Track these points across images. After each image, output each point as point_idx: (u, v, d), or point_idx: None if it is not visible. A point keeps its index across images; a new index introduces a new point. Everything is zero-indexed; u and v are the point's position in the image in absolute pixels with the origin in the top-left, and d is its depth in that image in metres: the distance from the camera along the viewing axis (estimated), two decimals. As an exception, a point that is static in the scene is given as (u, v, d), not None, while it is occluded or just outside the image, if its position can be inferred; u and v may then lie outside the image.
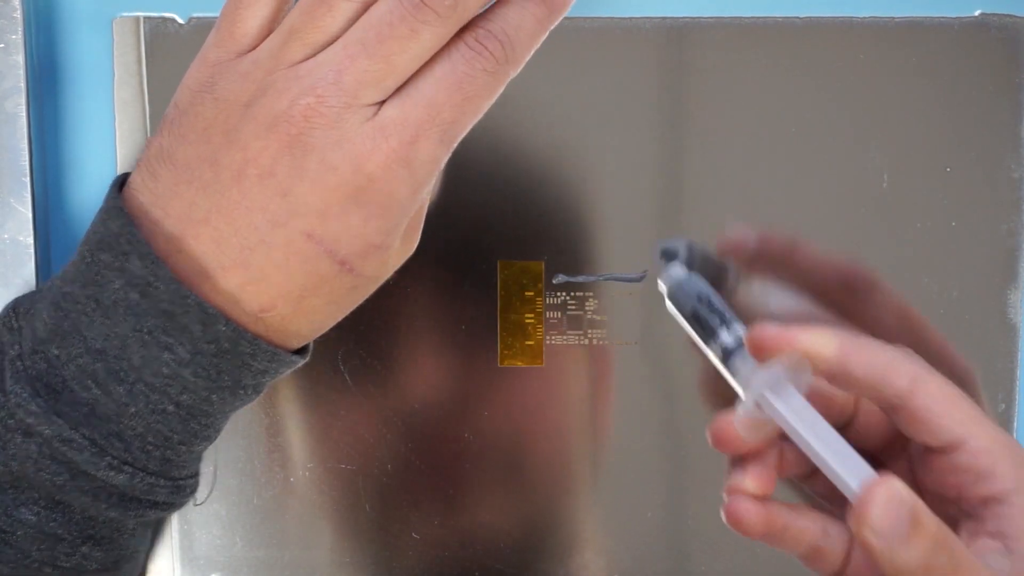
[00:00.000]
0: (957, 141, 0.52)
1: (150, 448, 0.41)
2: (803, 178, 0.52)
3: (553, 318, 0.53)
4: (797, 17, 0.51)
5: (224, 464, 0.54)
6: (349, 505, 0.54)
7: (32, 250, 0.50)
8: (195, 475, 0.45)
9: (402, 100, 0.39)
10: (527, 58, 0.40)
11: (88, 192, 0.53)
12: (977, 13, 0.51)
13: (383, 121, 0.39)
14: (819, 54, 0.52)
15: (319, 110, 0.38)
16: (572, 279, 0.53)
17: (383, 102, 0.39)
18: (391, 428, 0.54)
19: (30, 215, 0.50)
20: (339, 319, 0.43)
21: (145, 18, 0.51)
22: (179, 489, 0.43)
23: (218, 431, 0.44)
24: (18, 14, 0.49)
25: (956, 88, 0.52)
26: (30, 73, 0.50)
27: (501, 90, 0.40)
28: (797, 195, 0.52)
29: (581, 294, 0.53)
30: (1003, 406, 0.53)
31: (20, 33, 0.49)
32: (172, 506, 0.44)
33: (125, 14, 0.51)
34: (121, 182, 0.42)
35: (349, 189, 0.38)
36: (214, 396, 0.41)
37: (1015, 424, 0.54)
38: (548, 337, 0.53)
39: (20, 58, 0.49)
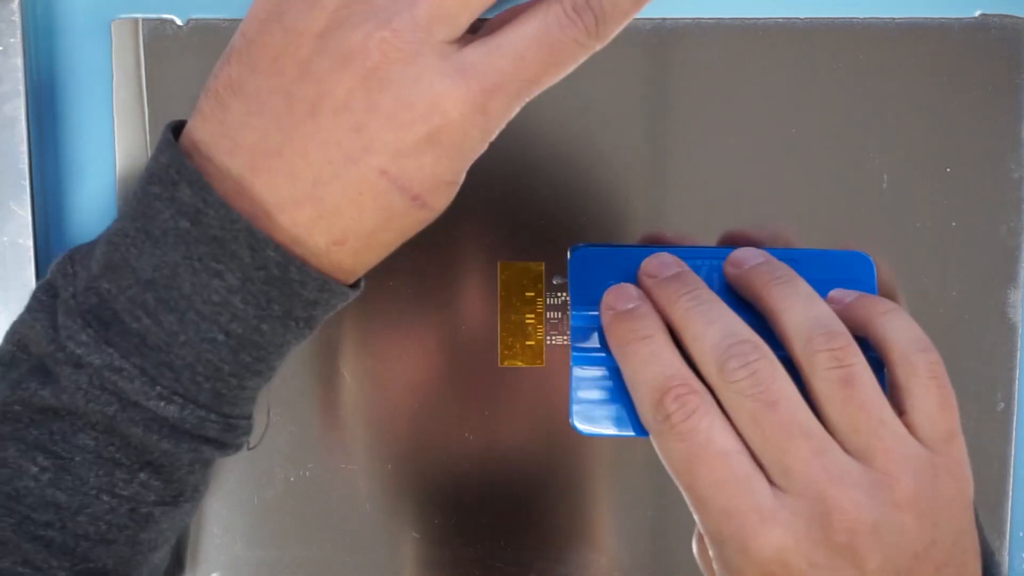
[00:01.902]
0: (957, 141, 0.52)
1: (200, 379, 0.41)
2: (804, 178, 0.52)
3: (553, 318, 0.53)
4: (797, 18, 0.51)
5: (224, 464, 0.54)
6: (349, 505, 0.54)
7: (31, 253, 0.50)
8: (247, 417, 0.44)
9: (488, 47, 0.38)
10: (612, 37, 0.39)
11: (88, 194, 0.52)
12: (977, 13, 0.51)
13: (464, 63, 0.38)
14: (819, 55, 0.51)
15: (396, 44, 0.37)
16: (572, 280, 0.53)
17: (459, 44, 0.38)
18: (391, 428, 0.54)
19: (29, 218, 0.50)
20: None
21: (144, 20, 0.51)
22: (231, 428, 0.42)
23: (271, 368, 0.43)
24: (17, 17, 0.49)
25: (956, 88, 0.52)
26: (29, 76, 0.50)
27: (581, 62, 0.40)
28: (798, 195, 0.52)
29: (581, 295, 0.53)
30: (1002, 405, 0.53)
31: (19, 36, 0.49)
32: (225, 446, 0.43)
33: (124, 16, 0.51)
34: (175, 126, 0.42)
35: (424, 128, 0.38)
36: (264, 326, 0.41)
37: (1015, 424, 0.54)
38: (548, 337, 0.53)
39: (19, 61, 0.49)
